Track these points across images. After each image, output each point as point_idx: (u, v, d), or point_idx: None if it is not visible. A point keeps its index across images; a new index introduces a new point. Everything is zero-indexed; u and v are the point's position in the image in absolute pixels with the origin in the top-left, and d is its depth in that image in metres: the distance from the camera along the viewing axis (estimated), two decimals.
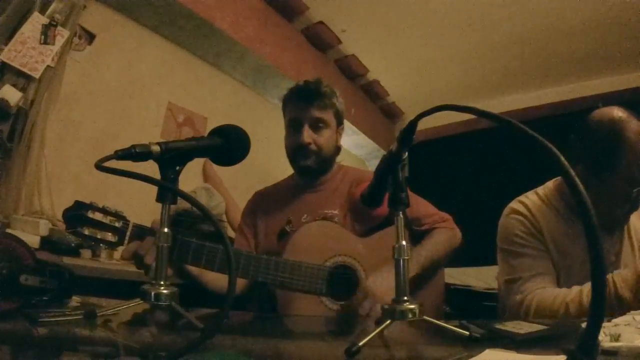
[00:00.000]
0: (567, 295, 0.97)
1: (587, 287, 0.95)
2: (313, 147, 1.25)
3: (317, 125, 1.26)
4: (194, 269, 1.02)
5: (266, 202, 1.34)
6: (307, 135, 1.24)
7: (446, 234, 1.26)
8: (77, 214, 0.83)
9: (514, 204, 1.18)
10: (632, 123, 1.05)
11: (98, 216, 0.86)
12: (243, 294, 1.20)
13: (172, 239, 0.91)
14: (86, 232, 0.84)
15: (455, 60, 3.47)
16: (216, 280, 1.07)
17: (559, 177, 1.18)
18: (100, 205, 0.86)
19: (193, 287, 1.04)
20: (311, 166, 1.26)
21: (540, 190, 1.20)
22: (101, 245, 0.91)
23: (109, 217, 0.87)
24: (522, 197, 1.19)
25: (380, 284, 1.05)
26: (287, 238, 1.16)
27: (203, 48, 2.64)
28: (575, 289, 0.98)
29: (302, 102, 1.27)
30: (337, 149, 1.35)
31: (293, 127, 1.28)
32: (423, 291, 1.23)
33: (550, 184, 1.21)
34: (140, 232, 0.90)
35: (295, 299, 1.08)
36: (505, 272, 1.14)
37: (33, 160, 1.77)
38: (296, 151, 1.27)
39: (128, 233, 0.89)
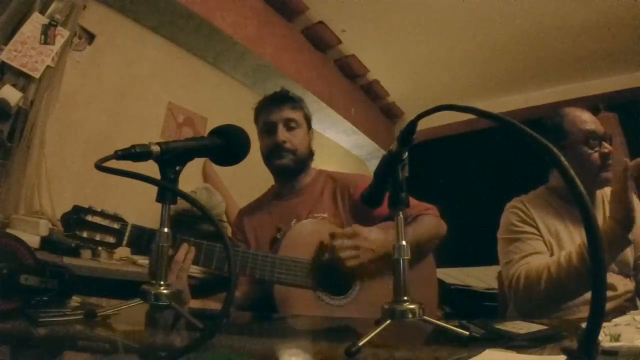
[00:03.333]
0: (548, 260, 1.10)
1: (564, 252, 1.08)
2: (288, 145, 1.29)
3: (289, 126, 1.30)
4: (196, 304, 1.05)
5: (251, 216, 1.37)
6: (282, 133, 1.28)
7: (431, 219, 1.27)
8: (75, 217, 0.85)
9: (511, 202, 1.31)
10: (571, 107, 1.28)
11: (96, 219, 0.87)
12: (252, 298, 1.21)
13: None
14: (85, 235, 0.85)
15: (455, 60, 3.47)
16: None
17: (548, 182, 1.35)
18: (99, 209, 0.88)
19: None
20: (287, 164, 1.29)
21: (532, 191, 1.35)
22: (100, 247, 0.92)
23: (108, 220, 0.88)
24: (518, 197, 1.32)
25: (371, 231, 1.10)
26: (281, 239, 1.17)
27: (203, 48, 2.64)
28: (554, 256, 1.10)
29: (274, 106, 1.33)
30: (311, 153, 1.38)
31: (267, 130, 1.32)
32: (415, 290, 1.23)
33: (541, 187, 1.35)
34: (139, 233, 0.91)
35: (292, 295, 1.09)
36: (503, 259, 1.24)
37: (33, 160, 1.77)
38: (272, 151, 1.30)
39: (127, 234, 0.90)
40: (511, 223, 1.24)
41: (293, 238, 1.14)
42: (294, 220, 1.26)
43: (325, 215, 1.26)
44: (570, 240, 1.19)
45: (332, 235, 1.09)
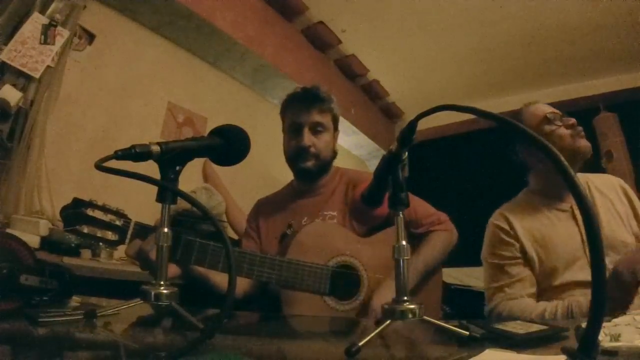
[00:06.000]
0: (532, 311, 1.08)
1: (550, 305, 1.07)
2: (313, 150, 1.27)
3: (316, 129, 1.28)
4: (201, 270, 1.00)
5: (267, 208, 1.36)
6: (308, 138, 1.26)
7: (443, 237, 1.27)
8: (75, 211, 0.81)
9: (492, 218, 1.27)
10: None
11: (98, 214, 0.84)
12: (249, 296, 1.20)
13: (176, 238, 0.91)
14: (85, 230, 0.82)
15: (455, 60, 3.47)
16: (224, 281, 1.07)
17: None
18: (100, 203, 0.84)
19: (199, 289, 1.03)
20: (311, 169, 1.28)
21: (515, 198, 1.32)
22: (101, 244, 0.88)
23: (110, 215, 0.85)
24: (500, 208, 1.29)
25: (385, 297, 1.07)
26: (290, 239, 1.16)
27: (203, 48, 2.64)
28: (541, 306, 1.09)
29: (302, 106, 1.28)
30: (334, 153, 1.36)
31: (293, 131, 1.29)
32: (421, 291, 1.23)
33: (522, 192, 1.33)
34: (143, 231, 0.88)
35: (299, 298, 1.08)
36: (485, 283, 1.24)
37: (33, 160, 1.77)
38: (296, 154, 1.28)
39: (130, 231, 0.87)
40: (492, 245, 1.23)
41: (302, 240, 1.13)
42: (305, 218, 1.25)
43: (335, 213, 1.25)
44: (557, 237, 1.16)
45: None
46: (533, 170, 1.28)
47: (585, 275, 1.10)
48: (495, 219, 1.25)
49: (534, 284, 1.16)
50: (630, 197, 1.25)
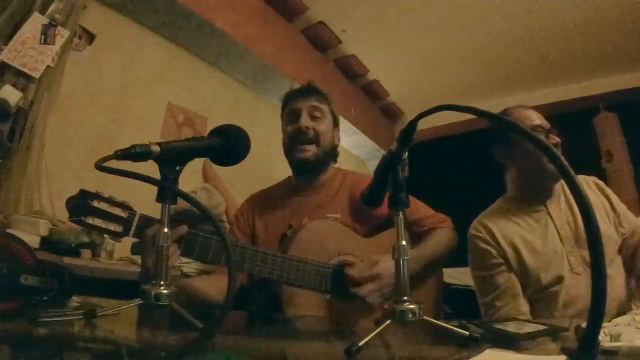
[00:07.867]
0: None
1: None
2: (312, 132, 1.26)
3: (314, 115, 1.29)
4: (192, 290, 1.03)
5: (263, 206, 1.33)
6: (306, 119, 1.27)
7: (445, 233, 1.27)
8: (81, 202, 0.82)
9: (470, 229, 1.27)
10: (516, 107, 1.28)
11: (103, 206, 0.84)
12: (245, 288, 1.20)
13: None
14: (90, 221, 0.82)
15: (455, 60, 3.47)
16: (210, 289, 1.09)
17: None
18: (106, 195, 0.85)
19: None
20: (309, 158, 1.25)
21: (492, 205, 1.33)
22: (105, 235, 0.89)
23: (115, 207, 0.85)
24: (478, 217, 1.29)
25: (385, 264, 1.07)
26: (291, 237, 1.16)
27: (203, 48, 2.64)
28: None
29: (300, 95, 1.32)
30: (334, 150, 1.35)
31: (291, 119, 1.30)
32: (422, 291, 1.23)
33: (499, 199, 1.34)
34: (147, 223, 0.89)
35: (300, 297, 1.08)
36: (478, 297, 1.24)
37: (33, 160, 1.77)
38: (294, 138, 1.27)
39: (135, 223, 0.87)
40: (474, 257, 1.24)
41: (304, 238, 1.12)
42: (306, 218, 1.23)
43: (338, 215, 1.24)
44: (538, 238, 1.18)
45: (352, 279, 1.06)
46: (509, 172, 1.30)
47: (566, 268, 1.13)
48: (473, 228, 1.26)
49: (521, 290, 1.16)
50: (604, 190, 1.28)
